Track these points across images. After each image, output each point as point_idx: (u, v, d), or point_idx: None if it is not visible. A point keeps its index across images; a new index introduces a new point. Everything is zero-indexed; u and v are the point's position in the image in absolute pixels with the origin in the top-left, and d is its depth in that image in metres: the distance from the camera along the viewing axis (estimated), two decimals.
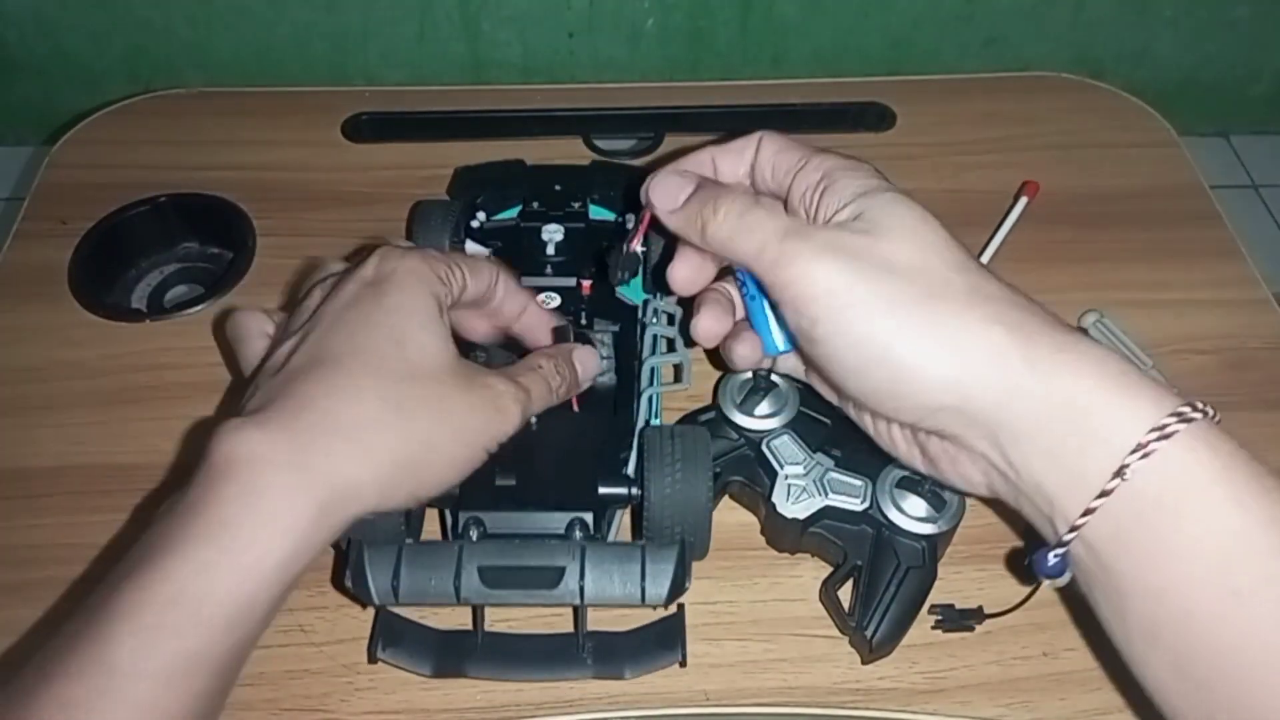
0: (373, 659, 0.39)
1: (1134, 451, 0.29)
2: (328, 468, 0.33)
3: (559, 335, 0.44)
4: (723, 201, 0.36)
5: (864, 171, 0.36)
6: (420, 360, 0.36)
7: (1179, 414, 0.29)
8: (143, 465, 0.48)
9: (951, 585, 0.44)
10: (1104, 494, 0.29)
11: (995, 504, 0.37)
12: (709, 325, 0.40)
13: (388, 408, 0.34)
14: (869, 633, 0.40)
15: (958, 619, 0.43)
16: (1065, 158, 0.64)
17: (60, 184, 0.62)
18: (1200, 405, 0.30)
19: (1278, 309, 0.56)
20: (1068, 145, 0.64)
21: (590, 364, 0.43)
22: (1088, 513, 0.30)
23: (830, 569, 0.43)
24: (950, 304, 0.32)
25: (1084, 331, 0.53)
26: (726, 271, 0.41)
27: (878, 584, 0.41)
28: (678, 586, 0.37)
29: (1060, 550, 0.31)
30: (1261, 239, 1.24)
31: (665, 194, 0.38)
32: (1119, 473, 0.29)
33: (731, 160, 0.39)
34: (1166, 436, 0.29)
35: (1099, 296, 0.55)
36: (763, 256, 0.34)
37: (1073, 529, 0.30)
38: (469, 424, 0.36)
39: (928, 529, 0.41)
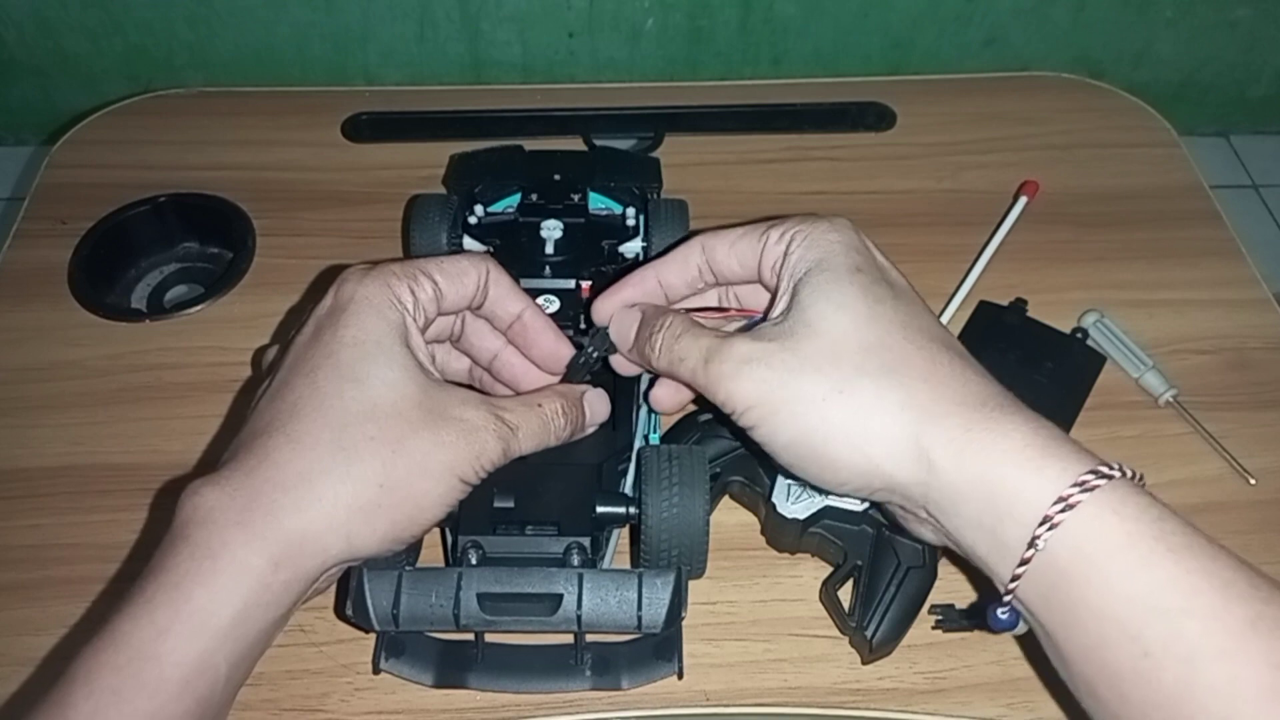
0: (376, 670, 0.39)
1: (1042, 524, 0.30)
2: (274, 522, 0.33)
3: (573, 368, 0.42)
4: (655, 337, 0.38)
5: (816, 238, 0.37)
6: (380, 397, 0.35)
7: (1082, 483, 0.30)
8: (142, 465, 0.48)
9: (951, 585, 0.44)
10: (1024, 563, 0.31)
11: None
12: (667, 394, 0.41)
13: (338, 454, 0.34)
14: (869, 633, 0.40)
15: (958, 619, 0.43)
16: (1065, 158, 0.64)
17: (60, 184, 0.62)
18: (1108, 469, 0.31)
19: (1278, 309, 0.56)
20: (1067, 145, 0.64)
21: (600, 410, 0.42)
22: (1015, 579, 0.31)
23: (830, 569, 0.43)
24: (860, 396, 0.33)
25: (1084, 332, 0.53)
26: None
27: (878, 584, 0.41)
28: (674, 614, 0.37)
29: (1005, 607, 0.33)
30: (1261, 239, 1.24)
31: (619, 334, 0.41)
32: (1031, 544, 0.31)
33: (676, 272, 0.40)
34: (1071, 507, 0.30)
35: (1099, 296, 0.55)
36: (696, 381, 0.37)
37: (1007, 592, 0.32)
38: (435, 459, 0.35)
39: None
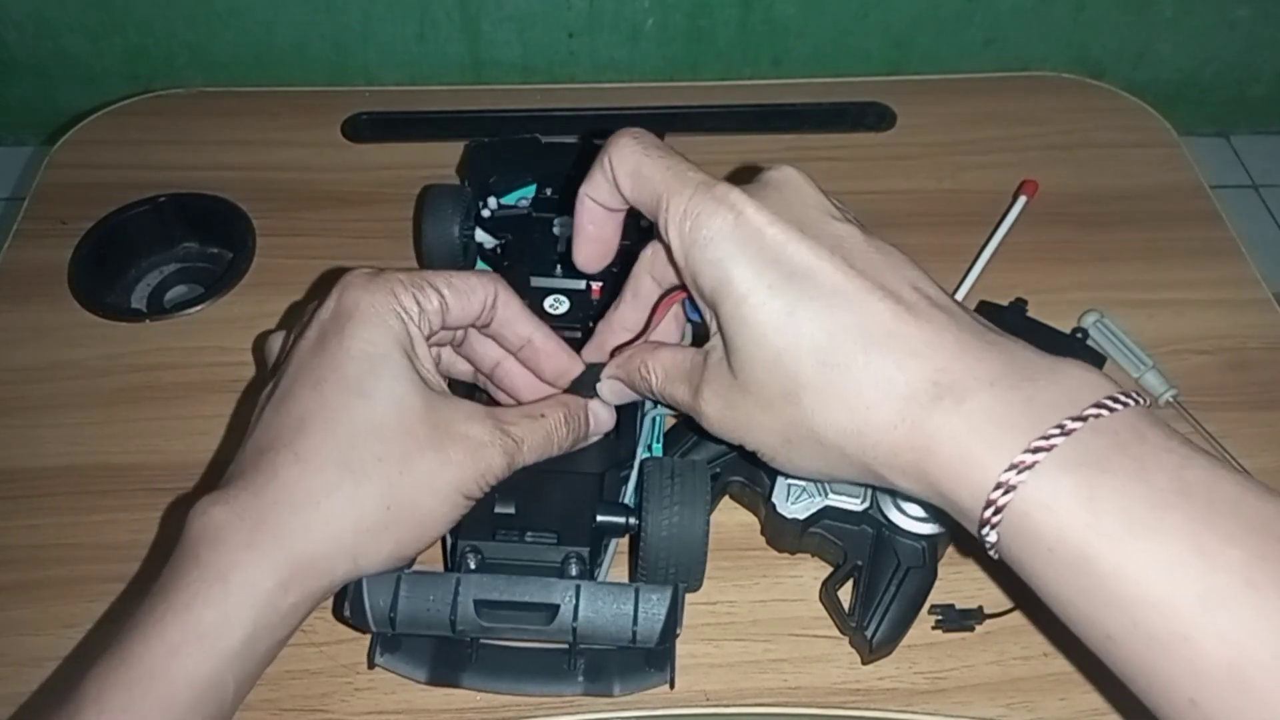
0: (371, 664, 0.39)
1: (983, 526, 0.30)
2: (284, 544, 0.33)
3: (582, 382, 0.41)
4: (654, 388, 0.38)
5: (699, 255, 0.33)
6: (387, 413, 0.35)
7: (1004, 483, 0.29)
8: (142, 465, 0.48)
9: (951, 585, 0.44)
10: (990, 547, 0.31)
11: None
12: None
13: (346, 475, 0.34)
14: (869, 633, 0.40)
15: (958, 619, 0.43)
16: (1065, 158, 0.64)
17: (60, 184, 0.62)
18: (1034, 454, 0.29)
19: (1278, 309, 0.56)
20: (1067, 145, 0.64)
21: (606, 420, 0.42)
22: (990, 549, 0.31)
23: (830, 569, 0.43)
24: (805, 445, 0.33)
25: (1084, 332, 0.53)
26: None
27: (878, 584, 0.41)
28: (669, 629, 0.37)
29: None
30: (1261, 239, 1.24)
31: (618, 398, 0.41)
32: (983, 540, 0.31)
33: (604, 194, 0.37)
34: (1000, 510, 0.30)
35: (1099, 296, 0.55)
36: (691, 411, 0.37)
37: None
38: (440, 477, 0.35)
39: (928, 529, 0.41)
